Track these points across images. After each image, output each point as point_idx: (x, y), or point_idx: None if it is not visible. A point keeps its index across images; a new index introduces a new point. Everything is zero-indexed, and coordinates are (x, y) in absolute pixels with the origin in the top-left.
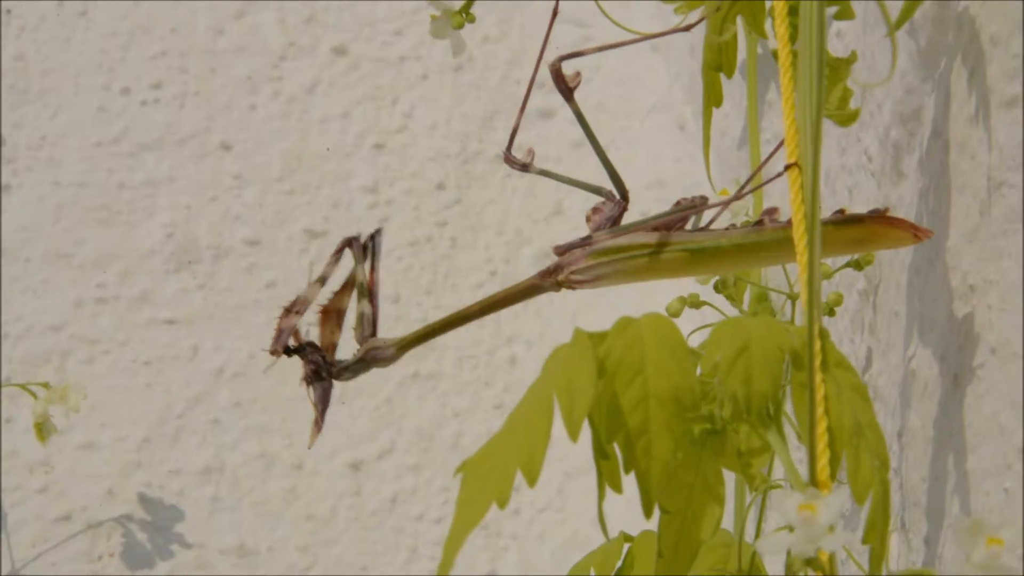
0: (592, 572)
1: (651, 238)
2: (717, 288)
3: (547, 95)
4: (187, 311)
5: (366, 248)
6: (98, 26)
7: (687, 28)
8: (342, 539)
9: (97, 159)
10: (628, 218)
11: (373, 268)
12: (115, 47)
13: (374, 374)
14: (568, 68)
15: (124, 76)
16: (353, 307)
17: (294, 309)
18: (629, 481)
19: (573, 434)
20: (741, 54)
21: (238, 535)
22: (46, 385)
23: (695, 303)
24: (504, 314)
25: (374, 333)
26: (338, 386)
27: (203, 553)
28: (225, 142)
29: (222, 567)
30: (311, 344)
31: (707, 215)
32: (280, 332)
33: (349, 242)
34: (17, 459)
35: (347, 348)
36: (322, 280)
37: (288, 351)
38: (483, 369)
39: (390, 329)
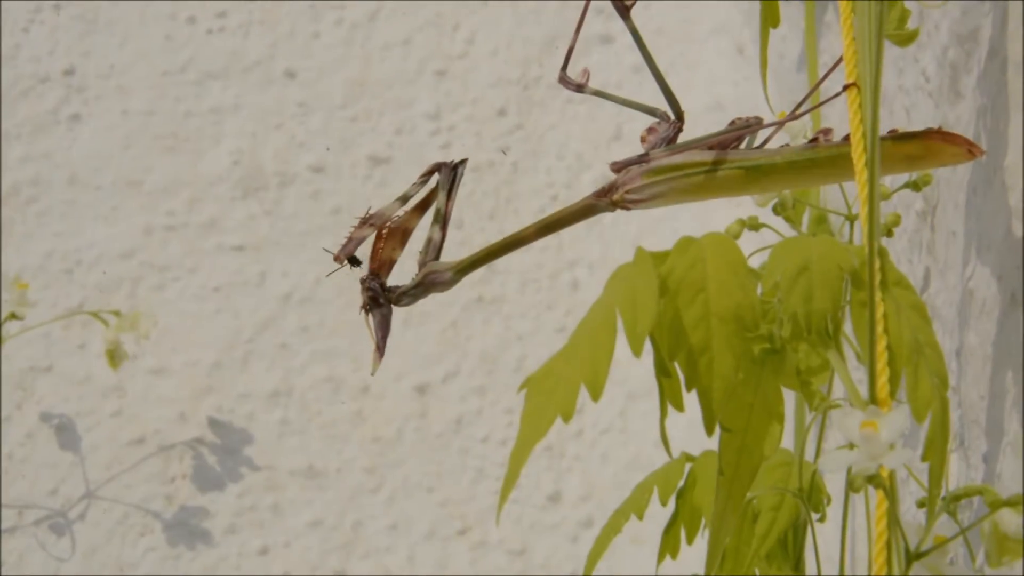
0: (655, 491)
1: (707, 156)
2: (776, 210)
3: (607, 21)
4: (254, 237)
5: (450, 175)
6: None
7: None
8: (409, 460)
9: (164, 87)
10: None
11: (450, 196)
12: None
13: (439, 298)
14: None
15: (190, 5)
16: (416, 232)
17: (369, 221)
18: (689, 405)
19: (636, 350)
20: None
21: (307, 457)
22: (117, 313)
23: (754, 225)
24: (566, 238)
25: (437, 259)
26: (403, 308)
27: (273, 475)
28: (289, 70)
29: (292, 488)
30: (371, 272)
31: (764, 137)
32: (350, 240)
33: (438, 167)
34: (91, 384)
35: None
36: (404, 199)
37: (353, 261)
38: (546, 293)
39: (454, 255)
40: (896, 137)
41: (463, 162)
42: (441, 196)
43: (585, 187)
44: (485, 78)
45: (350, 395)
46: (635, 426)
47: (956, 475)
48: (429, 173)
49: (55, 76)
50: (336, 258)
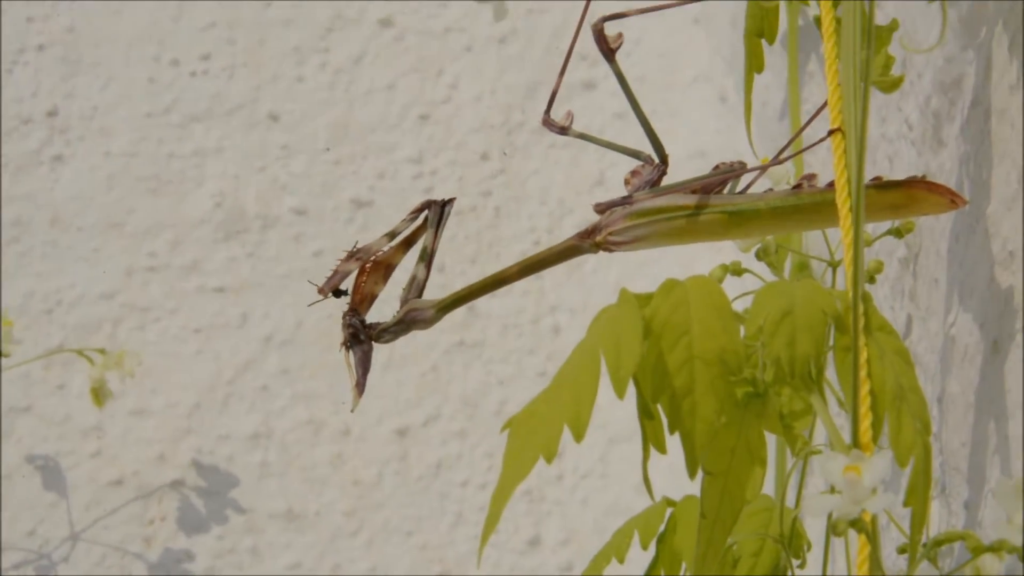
0: (636, 535)
1: (689, 200)
2: (759, 256)
3: (590, 67)
4: (236, 279)
5: (438, 214)
6: None
7: None
8: (388, 504)
9: (147, 129)
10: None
11: (436, 235)
12: (165, 18)
13: (420, 342)
14: (610, 31)
15: (174, 47)
16: (400, 269)
17: (356, 256)
18: (670, 450)
19: (620, 391)
20: (782, 25)
21: (286, 500)
22: (102, 351)
23: (737, 271)
24: (548, 283)
25: (419, 296)
26: (384, 352)
27: (253, 517)
28: (273, 112)
29: (271, 531)
30: (352, 308)
31: (747, 182)
32: (336, 273)
33: (428, 205)
34: (71, 424)
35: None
36: (391, 235)
37: (336, 293)
38: (527, 338)
39: (434, 298)
40: (879, 185)
41: (450, 201)
42: (429, 234)
43: (567, 232)
44: (468, 123)
45: (330, 438)
46: (615, 471)
47: (937, 523)
48: (419, 210)
49: (38, 117)
50: (320, 291)
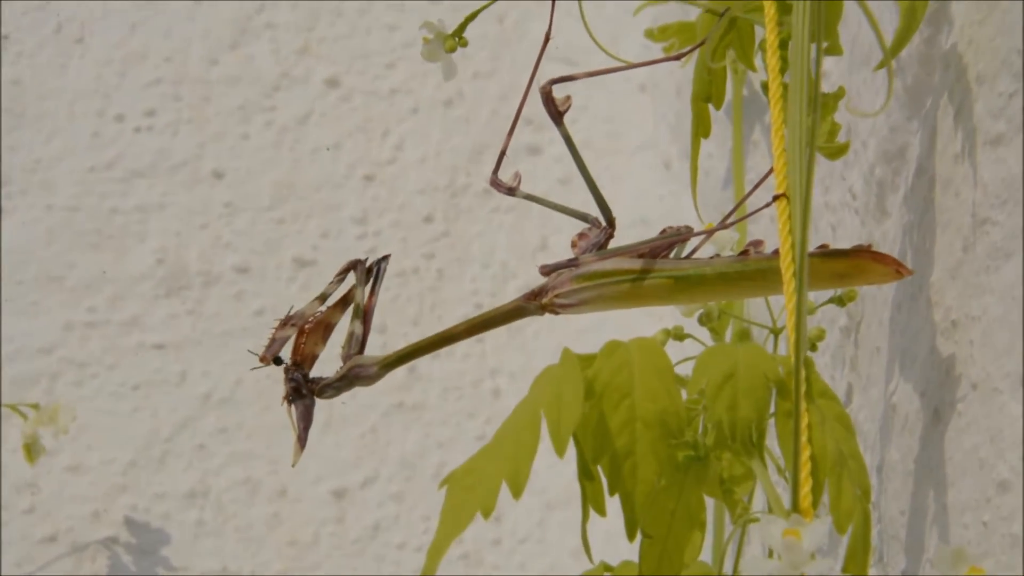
0: None
1: (636, 264)
2: (701, 321)
3: (535, 132)
4: (176, 336)
5: (370, 272)
6: (94, 53)
7: (677, 57)
8: (324, 565)
9: (90, 184)
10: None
11: (373, 292)
12: (110, 74)
13: (360, 403)
14: (558, 94)
15: (118, 103)
16: (343, 326)
17: (291, 322)
18: (606, 516)
19: (559, 450)
20: (727, 94)
21: (221, 559)
22: (36, 406)
23: (679, 336)
24: (489, 347)
25: (360, 352)
26: (323, 412)
27: None
28: (217, 170)
29: None
30: (294, 363)
31: (692, 247)
32: (273, 341)
33: (354, 264)
34: (4, 479)
35: (327, 371)
36: (322, 297)
37: (278, 361)
38: (467, 400)
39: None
40: (825, 253)
41: (386, 258)
42: (359, 292)
43: (510, 296)
44: (413, 184)
45: (267, 498)
46: (552, 536)
47: None
48: (345, 271)
49: None
50: (262, 359)
